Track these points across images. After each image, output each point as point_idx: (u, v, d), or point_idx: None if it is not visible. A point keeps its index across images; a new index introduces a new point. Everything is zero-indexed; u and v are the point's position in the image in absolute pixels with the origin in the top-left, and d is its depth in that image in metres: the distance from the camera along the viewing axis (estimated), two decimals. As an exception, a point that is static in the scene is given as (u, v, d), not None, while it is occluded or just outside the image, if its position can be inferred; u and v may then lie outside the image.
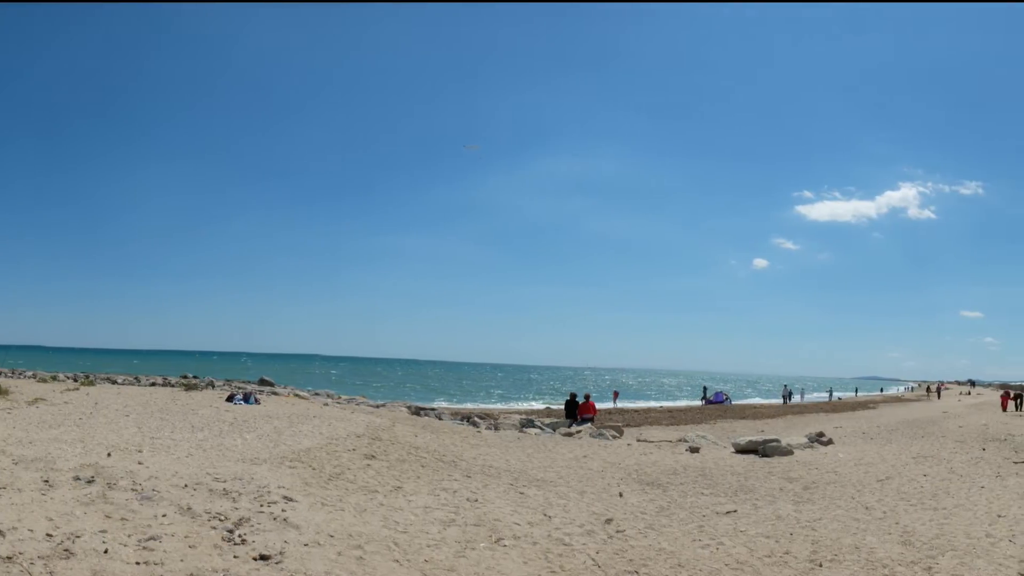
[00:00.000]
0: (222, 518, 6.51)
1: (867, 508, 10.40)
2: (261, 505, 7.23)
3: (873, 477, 13.37)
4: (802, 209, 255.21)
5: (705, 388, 67.91)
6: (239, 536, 6.06)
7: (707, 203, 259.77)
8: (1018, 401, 38.75)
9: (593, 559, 7.11)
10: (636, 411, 41.45)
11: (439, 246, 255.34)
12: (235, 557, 5.57)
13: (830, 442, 19.78)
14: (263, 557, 5.66)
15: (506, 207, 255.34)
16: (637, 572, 6.83)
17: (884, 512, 10.08)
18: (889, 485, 12.45)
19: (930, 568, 7.24)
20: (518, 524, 8.21)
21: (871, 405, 56.78)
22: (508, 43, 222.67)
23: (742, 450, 16.74)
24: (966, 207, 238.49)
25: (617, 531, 8.35)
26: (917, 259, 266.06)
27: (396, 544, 6.80)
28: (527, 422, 23.42)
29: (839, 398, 74.52)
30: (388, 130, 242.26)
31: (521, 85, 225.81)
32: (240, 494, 7.50)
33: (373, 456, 11.51)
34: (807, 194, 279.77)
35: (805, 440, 19.41)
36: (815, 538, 8.43)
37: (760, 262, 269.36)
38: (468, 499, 9.32)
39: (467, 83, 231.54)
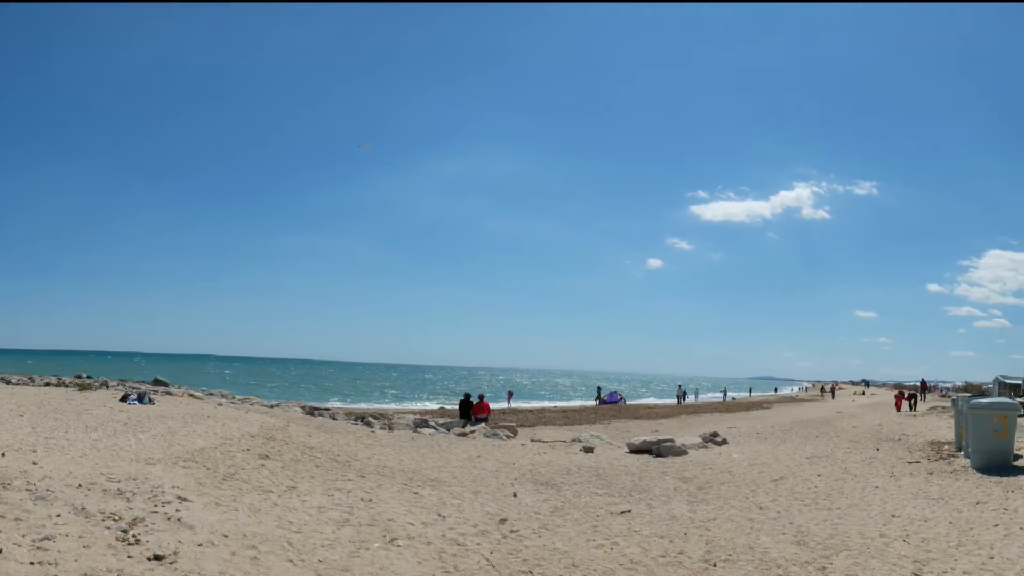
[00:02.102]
0: (116, 518, 6.53)
1: (761, 508, 10.67)
2: (155, 505, 7.25)
3: (767, 477, 13.69)
4: (696, 209, 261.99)
5: (599, 388, 69.07)
6: (133, 536, 6.11)
7: (601, 203, 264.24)
8: (912, 401, 39.61)
9: (487, 559, 7.35)
10: (530, 411, 41.98)
11: (333, 246, 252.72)
12: (129, 557, 5.63)
13: (724, 442, 20.35)
14: (157, 557, 5.74)
15: (400, 207, 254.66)
16: (531, 572, 7.07)
17: (778, 512, 10.35)
18: (783, 485, 12.75)
19: (824, 568, 7.46)
20: (412, 524, 8.42)
21: (765, 405, 58.51)
22: (402, 45, 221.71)
23: (636, 450, 17.13)
24: (860, 207, 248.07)
25: (511, 531, 8.57)
26: (811, 259, 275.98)
27: (290, 544, 6.94)
28: (421, 422, 23.60)
29: (733, 398, 76.77)
30: (282, 130, 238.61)
31: (415, 86, 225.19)
32: (134, 494, 7.50)
33: (267, 456, 11.53)
34: (701, 194, 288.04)
35: (699, 440, 19.98)
36: (709, 538, 8.62)
37: (654, 262, 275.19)
38: (362, 499, 9.47)
39: (361, 84, 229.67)
